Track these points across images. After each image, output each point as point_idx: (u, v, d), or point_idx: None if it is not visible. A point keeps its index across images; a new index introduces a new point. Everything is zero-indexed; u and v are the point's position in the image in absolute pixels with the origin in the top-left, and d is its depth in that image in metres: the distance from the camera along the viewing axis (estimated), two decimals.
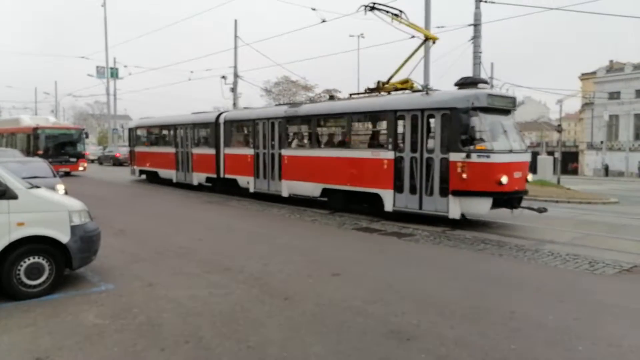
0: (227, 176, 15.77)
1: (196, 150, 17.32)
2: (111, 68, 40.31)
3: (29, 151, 23.06)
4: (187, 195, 16.37)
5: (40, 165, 11.50)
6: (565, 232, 9.92)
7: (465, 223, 10.31)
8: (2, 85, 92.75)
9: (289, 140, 13.81)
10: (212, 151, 16.34)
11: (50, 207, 5.54)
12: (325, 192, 12.47)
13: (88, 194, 12.56)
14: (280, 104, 16.90)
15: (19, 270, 5.29)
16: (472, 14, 15.43)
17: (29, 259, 5.35)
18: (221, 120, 16.01)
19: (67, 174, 22.53)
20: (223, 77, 28.78)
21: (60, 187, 9.91)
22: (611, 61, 54.22)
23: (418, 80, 12.86)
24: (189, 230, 9.82)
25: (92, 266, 6.27)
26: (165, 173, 19.20)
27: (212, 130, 16.41)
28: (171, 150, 18.59)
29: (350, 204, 12.13)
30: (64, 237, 5.48)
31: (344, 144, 12.24)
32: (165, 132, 20.02)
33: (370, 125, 12.23)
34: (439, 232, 9.74)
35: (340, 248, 8.09)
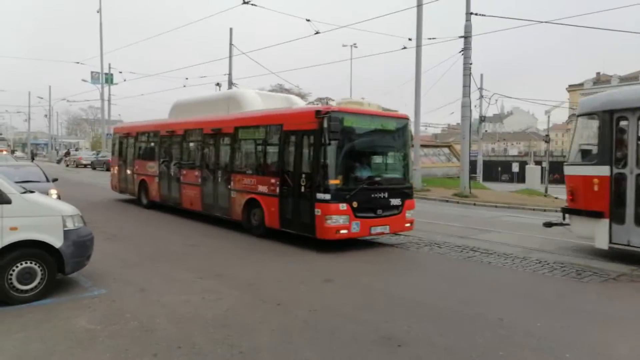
0: None
1: None
2: (106, 74, 40.22)
3: (310, 180, 8.51)
4: None
5: (33, 169, 11.44)
6: (553, 241, 10.06)
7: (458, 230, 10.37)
8: None
9: None
10: None
11: (43, 212, 5.54)
12: None
13: None
14: None
15: (11, 275, 5.28)
16: (463, 26, 15.68)
17: (21, 264, 5.33)
18: None
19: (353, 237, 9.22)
20: (217, 84, 28.91)
21: (53, 192, 9.87)
22: (598, 73, 55.30)
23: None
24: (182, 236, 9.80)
25: (84, 271, 6.26)
26: None
27: None
28: None
29: None
30: (57, 242, 5.48)
31: None
32: None
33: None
34: (430, 240, 9.82)
35: (332, 255, 8.14)
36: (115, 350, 4.13)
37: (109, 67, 41.22)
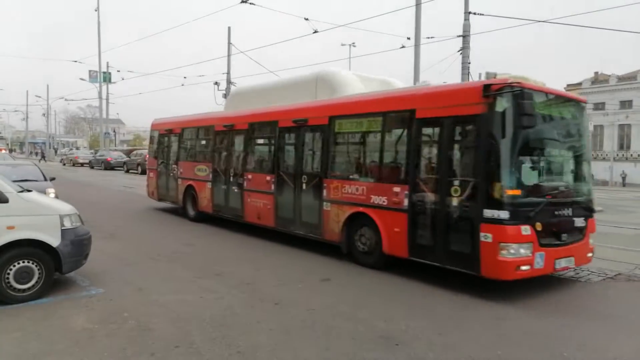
0: None
1: None
2: (104, 72, 40.16)
3: (471, 189, 5.81)
4: None
5: (30, 168, 11.40)
6: None
7: None
8: None
9: None
10: None
11: (41, 211, 5.52)
12: None
13: None
14: None
15: (8, 274, 5.26)
16: (462, 25, 15.68)
17: (18, 263, 5.32)
18: None
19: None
20: (216, 83, 28.82)
21: (51, 191, 9.85)
22: (596, 73, 55.33)
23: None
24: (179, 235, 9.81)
25: (82, 270, 6.25)
26: None
27: None
28: None
29: None
30: (55, 241, 5.46)
31: None
32: None
33: None
34: None
35: (329, 254, 8.13)
36: (113, 350, 4.13)
37: (107, 66, 41.18)
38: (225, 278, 6.50)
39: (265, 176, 9.16)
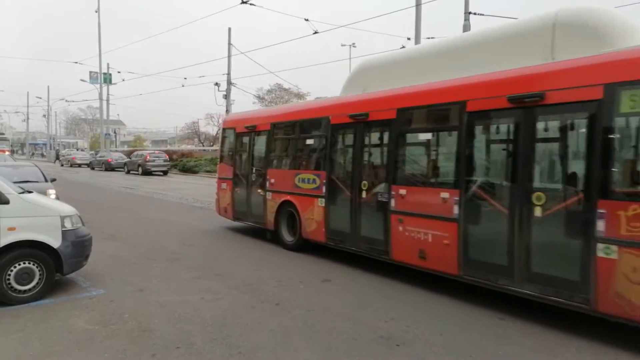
0: None
1: None
2: (104, 74, 40.26)
3: None
4: None
5: (31, 169, 11.42)
6: None
7: None
8: None
9: None
10: None
11: (41, 212, 5.53)
12: None
13: None
14: None
15: (9, 275, 5.28)
16: (462, 26, 15.70)
17: (19, 264, 5.33)
18: None
19: None
20: (216, 84, 28.88)
21: (52, 192, 9.87)
22: None
23: None
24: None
25: (82, 271, 6.26)
26: None
27: None
28: None
29: None
30: (55, 242, 5.47)
31: None
32: None
33: None
34: None
35: (330, 255, 8.12)
36: (113, 351, 4.13)
37: (108, 67, 41.28)
38: (225, 278, 6.50)
39: (439, 192, 5.90)
